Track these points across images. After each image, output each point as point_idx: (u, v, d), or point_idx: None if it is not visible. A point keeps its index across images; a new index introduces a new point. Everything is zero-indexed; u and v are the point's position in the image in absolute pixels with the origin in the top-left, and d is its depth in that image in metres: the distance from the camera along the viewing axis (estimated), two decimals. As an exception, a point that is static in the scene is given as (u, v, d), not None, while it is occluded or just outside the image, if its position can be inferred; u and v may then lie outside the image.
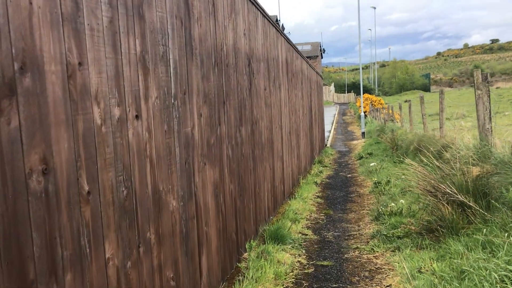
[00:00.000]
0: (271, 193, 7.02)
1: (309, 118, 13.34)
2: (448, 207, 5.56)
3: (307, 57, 23.78)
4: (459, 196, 5.44)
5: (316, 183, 10.92)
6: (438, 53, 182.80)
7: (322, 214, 7.97)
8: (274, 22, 7.46)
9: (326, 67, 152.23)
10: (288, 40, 9.33)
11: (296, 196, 8.87)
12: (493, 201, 5.36)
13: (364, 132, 24.38)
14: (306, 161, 12.14)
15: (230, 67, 4.73)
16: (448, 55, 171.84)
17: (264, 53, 6.69)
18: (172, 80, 3.20)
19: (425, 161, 7.82)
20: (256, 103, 6.00)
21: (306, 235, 6.61)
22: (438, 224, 5.64)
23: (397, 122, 21.21)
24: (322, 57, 65.88)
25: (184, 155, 3.40)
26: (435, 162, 6.86)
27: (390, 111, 23.50)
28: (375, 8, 77.98)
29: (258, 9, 6.20)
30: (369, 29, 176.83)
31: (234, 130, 4.84)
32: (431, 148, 9.77)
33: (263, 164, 6.44)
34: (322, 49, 64.96)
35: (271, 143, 7.09)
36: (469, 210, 5.34)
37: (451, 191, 5.78)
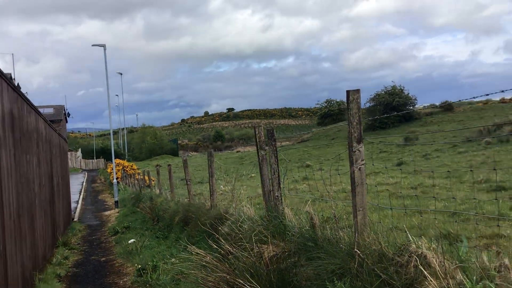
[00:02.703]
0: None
1: (50, 189, 10.57)
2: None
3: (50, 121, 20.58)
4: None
5: (59, 276, 8.25)
6: (183, 120, 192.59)
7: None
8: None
9: (73, 133, 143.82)
10: (15, 89, 6.83)
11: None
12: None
13: (117, 201, 22.02)
14: (46, 247, 9.30)
15: None
16: (191, 122, 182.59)
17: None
18: None
19: (196, 237, 6.19)
20: None
21: None
22: None
23: (155, 188, 19.62)
24: (67, 121, 61.14)
25: None
26: (226, 245, 5.31)
27: (146, 177, 21.84)
28: (121, 74, 77.54)
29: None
30: (117, 95, 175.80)
31: None
32: (203, 220, 8.29)
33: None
34: (66, 113, 60.36)
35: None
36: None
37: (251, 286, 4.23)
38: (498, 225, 5.50)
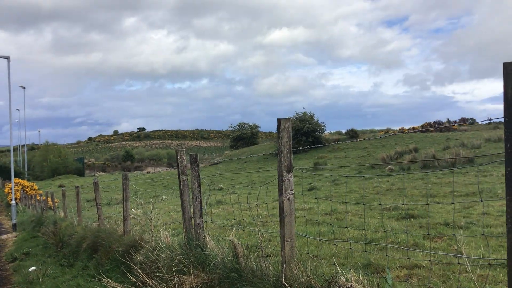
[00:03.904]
0: None
1: None
2: None
3: None
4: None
5: None
6: (90, 138, 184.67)
7: None
8: None
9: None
10: None
11: None
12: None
13: (15, 224, 20.34)
14: None
15: None
16: (99, 141, 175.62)
17: None
18: None
19: (107, 266, 5.84)
20: None
21: None
22: None
23: (59, 211, 18.37)
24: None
25: None
26: (142, 276, 4.97)
27: (49, 198, 20.42)
28: (24, 88, 72.88)
29: None
30: (18, 109, 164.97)
31: None
32: (115, 247, 7.81)
33: None
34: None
35: None
36: None
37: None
38: (409, 257, 5.70)
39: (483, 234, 5.07)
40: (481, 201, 3.28)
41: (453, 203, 3.49)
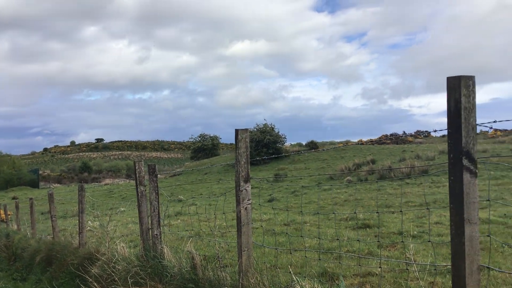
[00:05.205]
0: None
1: None
2: None
3: None
4: None
5: None
6: (45, 149, 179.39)
7: None
8: None
9: None
10: None
11: None
12: None
13: (-37, 238, 19.48)
14: None
15: None
16: (55, 152, 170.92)
17: None
18: None
19: (61, 279, 5.73)
20: None
21: None
22: None
23: (12, 223, 17.75)
24: None
25: None
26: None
27: (1, 211, 19.73)
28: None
29: None
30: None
31: None
32: (70, 260, 7.65)
33: None
34: None
35: None
36: None
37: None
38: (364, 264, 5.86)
39: (429, 241, 5.27)
40: (427, 209, 3.43)
41: (401, 211, 3.64)
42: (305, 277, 4.08)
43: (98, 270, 6.44)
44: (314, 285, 3.80)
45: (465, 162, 2.84)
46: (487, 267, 3.15)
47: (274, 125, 50.64)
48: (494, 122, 3.11)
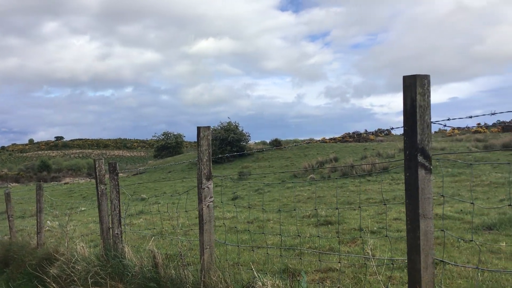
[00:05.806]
0: None
1: None
2: None
3: None
4: None
5: None
6: (3, 147, 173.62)
7: None
8: None
9: None
10: None
11: None
12: None
13: None
14: None
15: None
16: (13, 150, 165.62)
17: None
18: None
19: (19, 280, 5.59)
20: None
21: None
22: None
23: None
24: None
25: None
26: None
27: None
28: None
29: None
30: None
31: None
32: (28, 261, 7.46)
33: None
34: None
35: None
36: None
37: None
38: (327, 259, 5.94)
39: (386, 236, 5.40)
40: (385, 204, 3.53)
41: (360, 207, 3.72)
42: (267, 273, 4.12)
43: (57, 271, 6.31)
44: (275, 282, 3.83)
45: (420, 158, 2.92)
46: (442, 261, 3.25)
47: (238, 123, 50.66)
48: (448, 120, 3.21)
